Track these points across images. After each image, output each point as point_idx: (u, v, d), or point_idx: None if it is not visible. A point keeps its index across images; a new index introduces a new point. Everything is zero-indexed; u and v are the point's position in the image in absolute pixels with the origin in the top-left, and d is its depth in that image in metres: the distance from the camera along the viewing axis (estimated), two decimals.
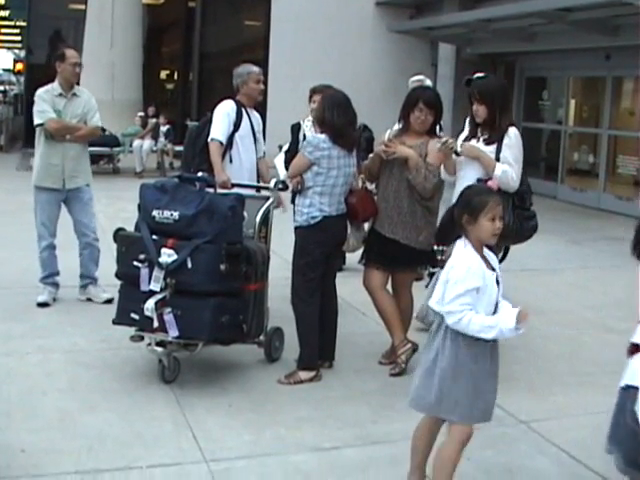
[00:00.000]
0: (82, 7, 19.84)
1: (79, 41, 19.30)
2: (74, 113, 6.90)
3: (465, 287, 3.36)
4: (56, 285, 7.08)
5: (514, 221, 4.98)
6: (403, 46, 19.50)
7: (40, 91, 6.91)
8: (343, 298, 6.70)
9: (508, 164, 5.19)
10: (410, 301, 5.71)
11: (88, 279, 7.14)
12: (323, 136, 5.21)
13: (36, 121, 6.82)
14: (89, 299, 7.07)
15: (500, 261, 5.24)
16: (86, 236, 7.05)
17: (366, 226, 5.67)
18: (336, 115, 5.20)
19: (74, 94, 6.94)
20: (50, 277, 7.05)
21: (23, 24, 27.40)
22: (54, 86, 6.91)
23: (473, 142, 5.40)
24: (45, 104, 6.79)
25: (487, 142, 5.34)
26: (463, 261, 3.40)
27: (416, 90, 5.59)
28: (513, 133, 5.06)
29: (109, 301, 6.79)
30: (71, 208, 7.04)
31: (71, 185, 6.92)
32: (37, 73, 21.73)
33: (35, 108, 6.84)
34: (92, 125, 6.98)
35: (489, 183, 4.86)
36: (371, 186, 5.66)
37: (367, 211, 5.47)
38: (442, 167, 5.39)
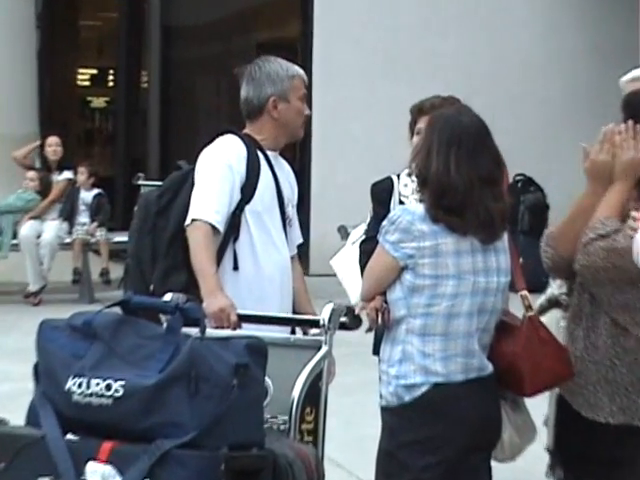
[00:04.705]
0: None
1: None
2: None
3: None
4: None
5: None
6: (603, 13, 15.82)
7: None
8: None
9: None
10: None
11: None
12: (421, 208, 4.32)
13: None
14: None
15: None
16: None
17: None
18: (453, 164, 4.26)
19: None
20: None
21: None
22: None
23: None
24: None
25: None
26: None
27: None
28: None
29: None
30: None
31: None
32: None
33: None
34: None
35: None
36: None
37: (546, 371, 4.25)
38: None
